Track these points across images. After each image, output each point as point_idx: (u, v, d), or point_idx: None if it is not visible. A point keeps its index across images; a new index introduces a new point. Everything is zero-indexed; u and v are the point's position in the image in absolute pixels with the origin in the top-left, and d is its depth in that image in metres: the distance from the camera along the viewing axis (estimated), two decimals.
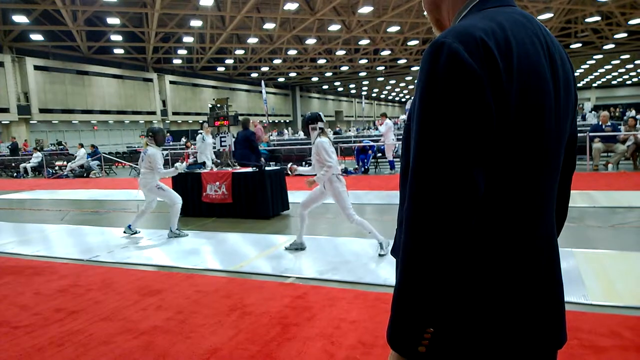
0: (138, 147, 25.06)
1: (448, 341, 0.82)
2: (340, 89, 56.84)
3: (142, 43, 28.80)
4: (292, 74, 42.03)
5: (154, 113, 33.31)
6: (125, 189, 11.48)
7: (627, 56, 39.36)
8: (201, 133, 10.45)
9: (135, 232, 5.97)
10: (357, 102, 61.01)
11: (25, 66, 25.24)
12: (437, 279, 0.77)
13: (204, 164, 8.98)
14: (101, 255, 5.11)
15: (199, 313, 3.30)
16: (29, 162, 17.30)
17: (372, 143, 13.02)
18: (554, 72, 0.88)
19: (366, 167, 12.53)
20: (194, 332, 2.98)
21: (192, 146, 15.89)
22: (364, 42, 31.54)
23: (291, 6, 23.60)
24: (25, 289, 4.03)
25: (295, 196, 7.97)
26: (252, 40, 29.29)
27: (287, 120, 47.85)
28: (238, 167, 7.43)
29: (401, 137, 1.01)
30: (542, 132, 0.85)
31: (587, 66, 44.90)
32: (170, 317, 3.24)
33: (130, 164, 16.71)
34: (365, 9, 24.42)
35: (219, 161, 7.98)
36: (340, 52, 33.93)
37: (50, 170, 16.88)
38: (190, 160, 12.02)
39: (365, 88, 57.06)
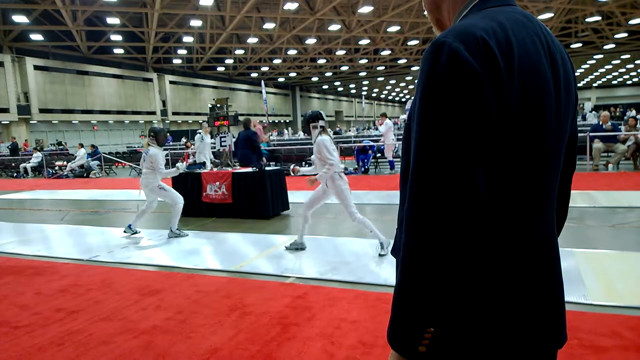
0: (138, 147, 25.05)
1: (448, 341, 0.82)
2: (340, 89, 56.85)
3: (142, 43, 28.81)
4: (292, 74, 42.04)
5: (153, 113, 33.32)
6: (125, 189, 11.48)
7: (628, 56, 39.36)
8: (200, 133, 10.44)
9: (136, 232, 5.97)
10: (357, 102, 61.02)
11: (25, 66, 25.25)
12: (437, 278, 0.77)
13: (204, 164, 8.98)
14: (101, 255, 5.11)
15: (199, 313, 3.30)
16: (29, 162, 17.30)
17: (372, 143, 13.02)
18: (555, 71, 0.88)
19: (366, 167, 12.54)
20: (194, 332, 2.98)
21: (192, 146, 15.88)
22: (364, 42, 31.54)
23: (291, 6, 23.60)
24: (26, 289, 4.03)
25: (295, 196, 7.97)
26: (252, 40, 29.29)
27: (287, 120, 47.86)
28: (238, 167, 7.44)
29: (401, 137, 1.01)
30: (542, 132, 0.85)
31: (587, 66, 44.90)
32: (170, 317, 3.24)
33: (130, 164, 16.71)
34: (366, 9, 24.42)
35: (217, 161, 7.98)
36: (340, 52, 33.93)
37: (50, 170, 16.88)
38: (190, 160, 12.04)
39: (365, 88, 57.06)
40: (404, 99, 71.58)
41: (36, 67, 25.85)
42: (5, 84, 24.16)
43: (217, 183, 7.06)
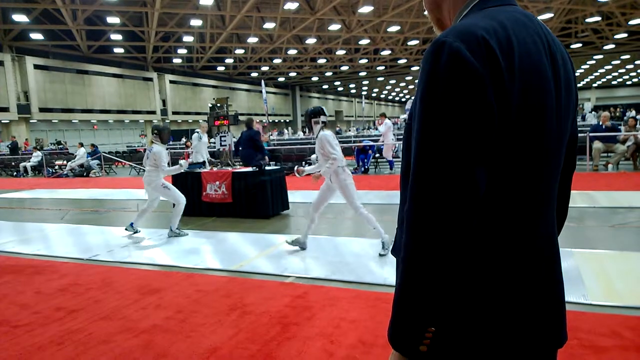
0: (138, 146, 25.06)
1: (449, 340, 0.82)
2: (340, 88, 56.84)
3: (142, 42, 28.80)
4: (292, 74, 42.03)
5: (153, 112, 33.31)
6: (126, 188, 11.49)
7: (628, 56, 39.38)
8: (198, 132, 10.43)
9: (136, 232, 5.97)
10: (357, 102, 61.02)
11: (25, 65, 25.24)
12: (438, 278, 0.77)
13: (204, 163, 8.98)
14: (101, 254, 5.11)
15: (199, 312, 3.30)
16: (29, 161, 17.29)
17: (372, 143, 13.02)
18: (556, 71, 0.88)
19: (366, 167, 12.54)
20: (194, 331, 2.98)
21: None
22: (364, 41, 31.54)
23: (291, 6, 23.59)
24: (26, 288, 4.03)
25: (295, 196, 7.98)
26: (252, 40, 29.29)
27: (287, 120, 47.86)
28: (238, 167, 7.44)
29: (401, 137, 1.01)
30: (543, 132, 0.85)
31: (587, 66, 44.91)
32: (170, 316, 3.24)
33: (131, 163, 16.71)
34: (366, 9, 24.42)
35: (214, 160, 7.98)
36: (340, 52, 33.93)
37: (50, 170, 16.88)
38: (189, 159, 12.01)
39: (365, 88, 57.06)
40: (404, 99, 71.58)
41: (36, 66, 25.84)
42: (5, 83, 24.15)
43: (217, 182, 7.06)
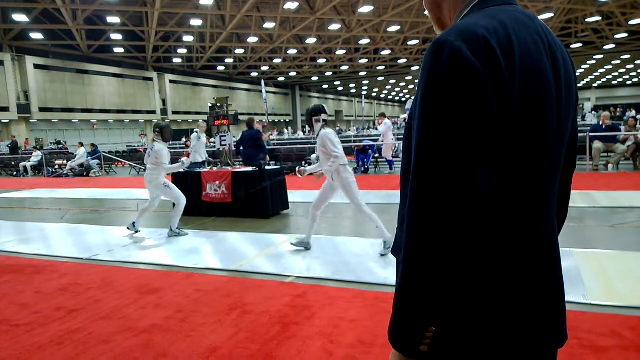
0: (138, 146, 25.06)
1: (450, 340, 0.82)
2: (340, 88, 56.84)
3: (142, 42, 28.79)
4: (292, 74, 42.03)
5: (153, 112, 33.31)
6: (125, 188, 11.49)
7: (628, 56, 39.37)
8: (196, 132, 10.43)
9: (137, 231, 5.97)
10: (357, 102, 61.01)
11: (25, 65, 25.24)
12: (438, 278, 0.77)
13: (204, 162, 8.98)
14: (101, 254, 5.11)
15: (199, 312, 3.30)
16: (29, 161, 17.29)
17: (372, 143, 13.02)
18: (556, 71, 0.88)
19: (366, 166, 12.54)
20: (194, 331, 2.98)
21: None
22: (364, 41, 31.54)
23: (291, 5, 23.59)
24: (26, 288, 4.03)
25: (295, 196, 7.98)
26: (252, 40, 29.29)
27: (287, 120, 47.86)
28: (238, 167, 7.43)
29: (401, 136, 1.01)
30: (543, 131, 0.85)
31: (587, 66, 44.91)
32: (170, 316, 3.24)
33: (131, 163, 16.71)
34: (366, 9, 24.42)
35: (212, 160, 7.98)
36: (341, 52, 33.93)
37: (50, 169, 16.88)
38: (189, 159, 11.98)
39: (365, 88, 57.05)
40: (404, 99, 71.59)
41: (36, 66, 25.84)
42: (5, 83, 24.15)
43: (217, 182, 7.05)
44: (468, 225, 0.76)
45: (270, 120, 38.28)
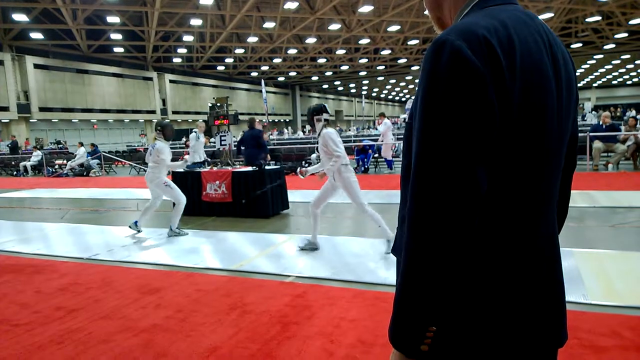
0: (138, 146, 25.05)
1: (450, 340, 0.82)
2: (340, 88, 56.83)
3: (142, 42, 28.79)
4: (292, 73, 42.02)
5: (153, 112, 33.31)
6: (125, 188, 11.49)
7: (628, 56, 39.37)
8: (195, 132, 10.44)
9: (139, 231, 5.95)
10: (357, 102, 61.01)
11: (25, 65, 25.24)
12: (439, 278, 0.76)
13: (204, 162, 8.99)
14: (101, 253, 5.11)
15: (199, 312, 3.30)
16: (29, 161, 17.30)
17: (372, 143, 13.02)
18: (557, 70, 0.88)
19: (366, 166, 12.54)
20: (194, 331, 2.98)
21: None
22: (364, 41, 31.53)
23: (291, 5, 23.59)
24: (26, 287, 4.03)
25: (295, 195, 7.98)
26: (252, 39, 29.29)
27: (287, 120, 47.85)
28: (238, 166, 7.43)
29: (401, 136, 1.01)
30: (544, 131, 0.84)
31: (587, 66, 44.90)
32: (170, 316, 3.24)
33: (130, 162, 16.71)
34: (366, 8, 24.42)
35: (209, 160, 7.99)
36: (341, 52, 33.92)
37: (50, 169, 16.88)
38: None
39: (365, 87, 57.04)
40: (403, 99, 71.58)
41: (36, 66, 25.84)
42: (5, 83, 24.15)
43: (217, 182, 7.05)
44: (469, 225, 0.76)
45: (270, 120, 38.28)
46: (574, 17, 27.74)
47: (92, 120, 30.37)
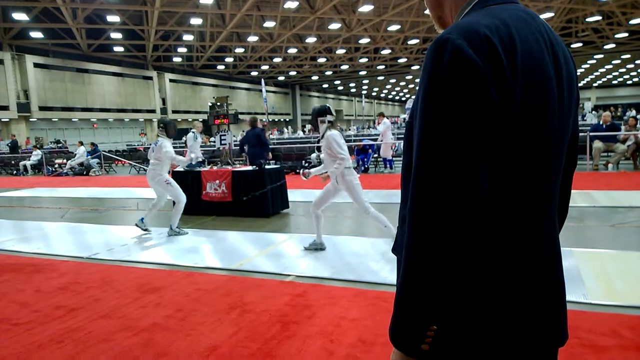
0: (138, 145, 25.05)
1: (451, 339, 0.82)
2: (340, 87, 56.81)
3: (142, 41, 28.77)
4: (292, 73, 42.00)
5: (153, 111, 33.29)
6: (125, 187, 11.49)
7: (628, 56, 39.35)
8: (193, 132, 10.44)
9: (146, 229, 5.91)
10: (357, 101, 60.99)
11: (25, 64, 25.22)
12: (440, 277, 0.76)
13: (204, 162, 8.99)
14: (101, 252, 5.11)
15: (199, 311, 3.30)
16: (29, 160, 17.30)
17: (371, 142, 13.02)
18: (558, 70, 0.88)
19: (366, 166, 12.54)
20: (194, 330, 2.98)
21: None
22: (364, 40, 31.50)
23: (291, 4, 23.57)
24: (25, 287, 4.03)
25: (295, 195, 7.98)
26: (252, 39, 29.27)
27: (287, 119, 47.84)
28: (238, 166, 7.44)
29: (401, 136, 1.01)
30: (545, 130, 0.84)
31: (587, 66, 44.88)
32: (170, 315, 3.24)
33: (130, 161, 16.70)
34: (366, 8, 24.40)
35: (204, 160, 8.01)
36: (341, 51, 33.90)
37: (50, 168, 16.88)
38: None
39: (365, 87, 57.02)
40: (404, 98, 71.56)
41: (36, 65, 25.82)
42: (5, 82, 24.13)
43: (217, 181, 7.05)
44: (470, 224, 0.76)
45: (270, 120, 38.27)
46: (574, 16, 27.73)
47: (92, 120, 30.35)
